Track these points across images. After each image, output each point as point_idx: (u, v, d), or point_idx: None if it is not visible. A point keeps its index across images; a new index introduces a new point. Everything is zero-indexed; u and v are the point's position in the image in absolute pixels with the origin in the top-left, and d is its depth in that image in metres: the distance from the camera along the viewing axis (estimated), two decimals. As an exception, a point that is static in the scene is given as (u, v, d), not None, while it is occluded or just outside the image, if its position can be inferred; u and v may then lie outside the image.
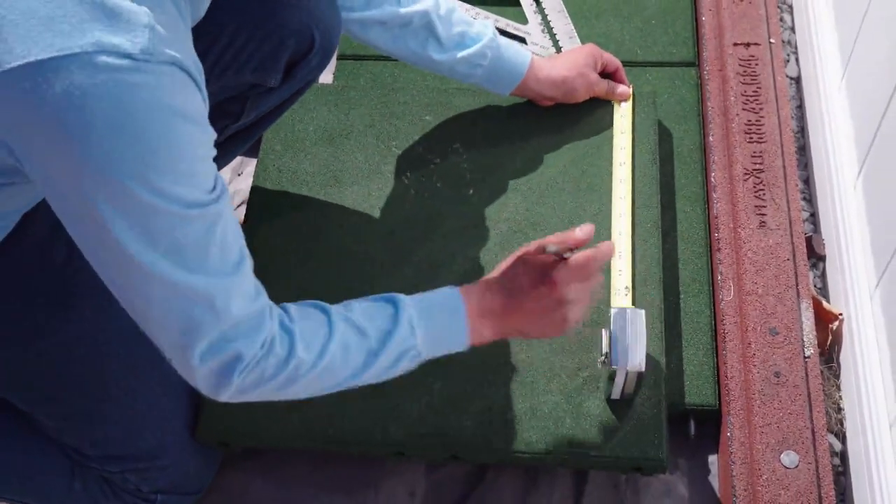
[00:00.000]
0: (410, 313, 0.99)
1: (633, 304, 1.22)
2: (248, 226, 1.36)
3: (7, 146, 0.78)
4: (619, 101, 1.41)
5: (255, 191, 1.40)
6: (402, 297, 1.01)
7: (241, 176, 1.57)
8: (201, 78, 0.82)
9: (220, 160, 1.26)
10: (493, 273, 1.06)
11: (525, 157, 1.39)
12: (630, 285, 1.24)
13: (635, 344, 1.10)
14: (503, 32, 1.60)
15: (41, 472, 1.16)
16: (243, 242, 0.88)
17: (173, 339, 0.86)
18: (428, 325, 0.99)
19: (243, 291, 0.87)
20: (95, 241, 0.81)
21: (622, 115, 1.40)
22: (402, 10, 1.23)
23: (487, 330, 1.03)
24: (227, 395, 0.92)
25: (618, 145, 1.38)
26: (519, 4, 1.66)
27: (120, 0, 0.72)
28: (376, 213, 1.36)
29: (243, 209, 1.46)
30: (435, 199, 1.36)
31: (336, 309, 0.98)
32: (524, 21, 1.63)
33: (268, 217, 1.37)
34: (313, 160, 1.42)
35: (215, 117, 1.17)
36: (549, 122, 1.42)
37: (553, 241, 1.02)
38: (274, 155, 1.42)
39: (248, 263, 0.88)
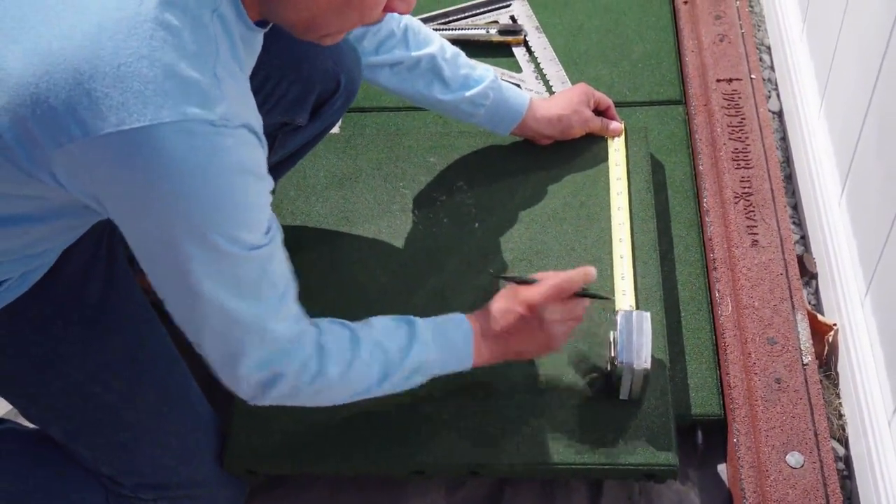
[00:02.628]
0: (426, 333, 1.11)
1: None
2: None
3: (95, 198, 0.88)
4: (613, 137, 1.50)
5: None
6: (416, 318, 1.13)
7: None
8: (261, 130, 0.92)
9: None
10: (488, 304, 1.18)
11: (526, 191, 1.47)
12: (634, 304, 1.31)
13: (641, 343, 1.17)
14: (499, 80, 1.70)
15: (77, 502, 1.20)
16: (289, 272, 0.99)
17: (225, 355, 0.98)
18: (441, 344, 1.11)
19: (287, 316, 0.99)
20: (167, 275, 0.92)
21: (616, 149, 1.49)
22: (411, 55, 1.32)
23: (487, 351, 1.15)
24: (263, 402, 1.03)
25: (613, 177, 1.46)
26: (513, 55, 1.75)
27: (201, 76, 0.83)
28: (387, 249, 1.43)
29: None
30: (442, 233, 1.43)
31: (357, 326, 1.09)
32: (519, 70, 1.73)
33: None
34: (325, 202, 1.49)
35: None
36: (548, 158, 1.50)
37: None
38: (287, 200, 1.50)
39: (293, 291, 1.00)
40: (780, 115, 1.71)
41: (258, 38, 0.98)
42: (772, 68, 1.78)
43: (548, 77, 1.71)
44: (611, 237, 1.39)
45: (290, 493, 1.33)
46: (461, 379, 1.27)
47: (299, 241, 1.45)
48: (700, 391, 1.30)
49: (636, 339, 1.17)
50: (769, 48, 1.82)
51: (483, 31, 1.77)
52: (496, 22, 1.80)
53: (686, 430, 1.29)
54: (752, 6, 1.86)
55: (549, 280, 1.15)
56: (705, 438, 1.29)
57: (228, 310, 0.93)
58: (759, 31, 1.84)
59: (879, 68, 1.24)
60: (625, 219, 1.40)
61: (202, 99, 0.83)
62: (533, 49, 1.76)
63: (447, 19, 1.82)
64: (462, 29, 1.78)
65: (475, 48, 1.76)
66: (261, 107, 1.19)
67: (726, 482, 1.29)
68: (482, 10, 1.84)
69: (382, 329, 1.10)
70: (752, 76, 1.61)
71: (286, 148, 1.35)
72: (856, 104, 1.32)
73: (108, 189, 0.87)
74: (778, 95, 1.74)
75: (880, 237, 1.22)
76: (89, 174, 0.85)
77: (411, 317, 1.13)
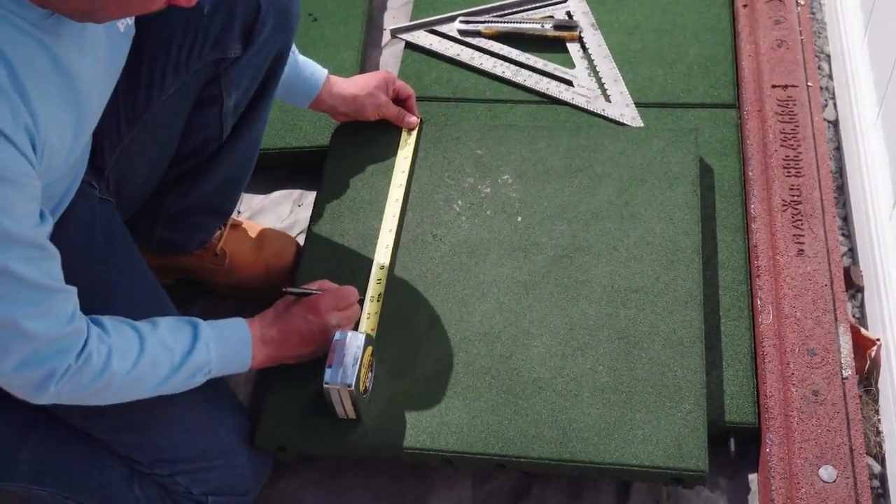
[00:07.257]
0: (207, 335, 1.16)
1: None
2: (308, 251, 1.45)
3: None
4: (408, 129, 1.55)
5: (315, 217, 1.48)
6: (199, 320, 1.18)
7: (301, 207, 1.65)
8: (16, 130, 0.89)
9: (250, 144, 1.35)
10: (269, 309, 1.25)
11: (571, 188, 1.46)
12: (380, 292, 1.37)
13: (349, 364, 1.21)
14: (550, 75, 1.69)
15: (107, 482, 1.23)
16: (58, 274, 1.00)
17: None
18: (221, 347, 1.17)
19: (51, 313, 0.99)
20: None
21: (408, 142, 1.54)
22: None
23: (265, 355, 1.23)
24: (44, 400, 1.05)
25: (399, 168, 1.50)
26: (567, 51, 1.75)
27: None
28: (429, 238, 1.43)
29: (302, 237, 1.55)
30: (485, 225, 1.44)
31: (142, 325, 1.13)
32: (572, 66, 1.72)
33: (325, 243, 1.45)
34: (371, 189, 1.50)
35: (202, 108, 1.26)
36: (593, 156, 1.49)
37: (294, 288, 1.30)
38: (335, 187, 1.51)
39: (63, 289, 1.01)
40: (835, 124, 1.68)
41: (63, 21, 0.94)
42: (830, 77, 1.75)
43: (601, 74, 1.70)
44: (651, 239, 1.38)
45: (318, 477, 1.34)
46: (494, 372, 1.28)
47: (342, 227, 1.47)
48: (735, 398, 1.28)
49: (345, 360, 1.21)
50: (829, 56, 1.78)
51: (538, 26, 1.77)
52: (552, 17, 1.79)
53: (719, 437, 1.28)
54: (813, 12, 1.82)
55: (331, 291, 1.27)
56: (738, 447, 1.28)
57: None
58: (819, 38, 1.81)
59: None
60: (397, 211, 1.45)
61: None
62: (587, 46, 1.75)
63: (503, 12, 1.82)
64: (517, 23, 1.78)
65: (529, 42, 1.75)
66: (189, 55, 1.18)
67: (756, 493, 1.27)
68: (538, 4, 1.83)
69: (167, 329, 1.14)
70: (809, 84, 1.58)
71: (239, 86, 1.26)
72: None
73: None
74: (835, 105, 1.70)
75: (930, 253, 1.20)
76: None
77: (195, 318, 1.18)
